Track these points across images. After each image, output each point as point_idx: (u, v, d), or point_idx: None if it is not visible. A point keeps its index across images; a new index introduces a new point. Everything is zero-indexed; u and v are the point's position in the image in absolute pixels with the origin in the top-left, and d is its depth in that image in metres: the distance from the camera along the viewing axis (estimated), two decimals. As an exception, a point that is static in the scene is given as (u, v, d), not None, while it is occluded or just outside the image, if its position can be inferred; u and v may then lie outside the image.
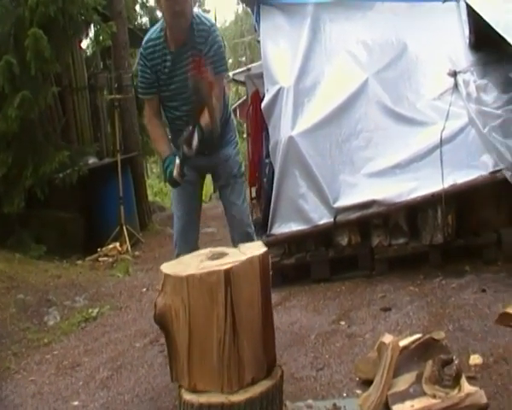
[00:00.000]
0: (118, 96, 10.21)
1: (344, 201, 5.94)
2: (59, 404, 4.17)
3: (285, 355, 4.29)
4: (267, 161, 6.90)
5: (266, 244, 3.23)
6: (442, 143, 5.74)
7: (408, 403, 3.04)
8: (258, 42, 7.37)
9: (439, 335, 3.50)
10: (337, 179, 6.03)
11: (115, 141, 10.20)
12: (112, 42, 10.24)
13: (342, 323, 4.90)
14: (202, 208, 4.69)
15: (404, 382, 3.18)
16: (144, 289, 6.94)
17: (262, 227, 6.39)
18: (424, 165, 5.81)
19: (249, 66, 11.28)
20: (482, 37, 6.01)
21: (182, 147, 3.81)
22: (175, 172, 3.92)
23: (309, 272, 6.14)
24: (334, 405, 3.40)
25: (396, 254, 5.94)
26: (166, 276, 2.89)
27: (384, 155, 5.99)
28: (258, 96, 7.97)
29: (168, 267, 2.99)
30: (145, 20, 15.00)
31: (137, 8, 14.81)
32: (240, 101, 19.57)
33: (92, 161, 9.63)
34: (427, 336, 3.47)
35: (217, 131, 3.93)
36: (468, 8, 6.10)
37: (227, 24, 40.03)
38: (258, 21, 6.97)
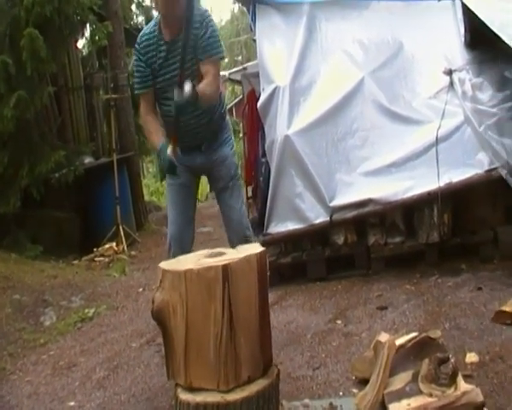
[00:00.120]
0: (114, 96, 10.20)
1: (340, 200, 5.94)
2: (55, 404, 4.16)
3: (281, 354, 4.30)
4: (263, 160, 6.90)
5: (263, 243, 3.25)
6: (438, 141, 5.74)
7: (404, 402, 3.04)
8: (254, 41, 7.36)
9: (436, 333, 3.51)
10: (333, 178, 6.03)
11: (111, 140, 10.20)
12: (108, 41, 10.23)
13: (339, 322, 4.90)
14: (198, 208, 4.67)
15: (401, 380, 3.18)
16: (141, 289, 6.94)
17: (258, 226, 6.39)
18: (420, 163, 5.81)
19: (245, 65, 11.26)
20: (477, 35, 6.01)
21: (174, 92, 3.77)
22: (169, 151, 3.91)
23: (305, 271, 6.14)
24: (331, 404, 3.39)
25: (392, 253, 5.94)
26: (165, 271, 2.90)
27: (380, 153, 5.99)
28: (254, 96, 7.98)
29: (166, 265, 3.00)
30: (141, 19, 15.00)
31: (133, 7, 14.81)
32: (236, 100, 19.57)
33: (88, 160, 9.63)
34: (424, 334, 3.47)
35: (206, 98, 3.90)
36: (464, 6, 6.10)
37: (223, 23, 40.04)
38: (254, 20, 6.96)
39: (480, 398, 3.00)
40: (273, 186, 6.18)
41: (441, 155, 5.69)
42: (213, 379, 2.83)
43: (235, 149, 4.54)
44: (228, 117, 4.56)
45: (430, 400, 2.99)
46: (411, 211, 5.88)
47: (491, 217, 5.80)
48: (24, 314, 6.08)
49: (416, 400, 3.03)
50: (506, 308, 4.26)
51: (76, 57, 10.41)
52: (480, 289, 5.04)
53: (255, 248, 3.09)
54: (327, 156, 6.08)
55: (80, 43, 11.60)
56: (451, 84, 6.03)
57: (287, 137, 6.05)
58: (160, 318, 2.92)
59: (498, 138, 5.54)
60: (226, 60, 31.93)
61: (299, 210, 6.06)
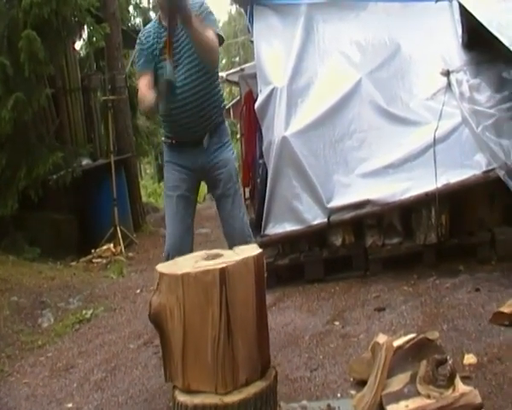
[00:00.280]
0: (111, 98, 10.18)
1: (338, 201, 5.94)
2: (53, 406, 4.16)
3: (279, 356, 4.30)
4: (261, 161, 6.88)
5: (260, 245, 3.24)
6: (435, 142, 5.74)
7: (402, 403, 3.04)
8: (252, 42, 7.36)
9: (434, 335, 3.50)
10: (331, 179, 6.03)
11: (109, 142, 10.18)
12: (105, 43, 10.21)
13: (336, 323, 4.90)
14: (197, 209, 4.62)
15: (399, 382, 3.18)
16: (138, 291, 6.93)
17: (256, 228, 6.37)
18: (418, 164, 5.81)
19: (243, 66, 11.30)
20: (475, 36, 6.02)
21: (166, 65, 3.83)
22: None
23: (303, 273, 6.13)
24: (329, 405, 3.39)
25: (390, 254, 5.94)
26: (162, 275, 2.90)
27: (377, 154, 5.99)
28: (251, 97, 7.97)
29: (163, 267, 3.00)
30: (138, 21, 15.03)
31: (131, 9, 14.85)
32: (233, 101, 19.57)
33: (86, 162, 9.63)
34: (422, 336, 3.46)
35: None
36: (461, 7, 6.11)
37: (220, 24, 40.03)
38: (251, 22, 6.95)
39: (479, 400, 2.99)
40: (270, 187, 6.18)
41: (439, 156, 5.69)
42: (211, 382, 2.83)
43: (235, 155, 4.52)
44: (226, 122, 4.53)
45: (428, 401, 2.99)
46: (409, 212, 5.88)
47: (488, 218, 5.81)
48: (22, 316, 6.07)
49: (413, 401, 3.03)
50: (504, 309, 4.26)
51: (73, 59, 10.40)
52: (477, 290, 5.05)
53: (252, 249, 3.09)
54: (324, 157, 6.08)
55: (78, 45, 11.62)
56: (449, 85, 6.04)
57: (284, 139, 6.04)
58: (158, 321, 2.92)
59: (496, 139, 5.55)
60: (224, 61, 31.98)
61: (296, 211, 6.06)
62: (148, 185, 21.08)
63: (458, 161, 5.71)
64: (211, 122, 4.21)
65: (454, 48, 6.28)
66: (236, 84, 11.36)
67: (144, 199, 14.05)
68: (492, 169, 5.54)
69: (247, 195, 8.64)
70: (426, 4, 6.52)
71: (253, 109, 6.82)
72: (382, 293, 5.42)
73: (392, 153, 5.93)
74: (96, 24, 9.63)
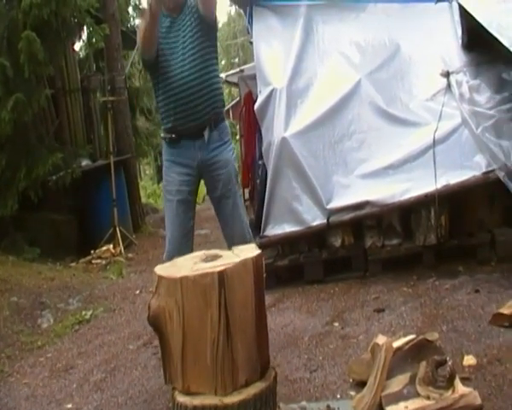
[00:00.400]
0: (111, 99, 10.18)
1: (337, 202, 5.93)
2: (52, 407, 4.16)
3: (279, 357, 4.29)
4: (260, 162, 6.89)
5: (259, 246, 3.23)
6: (435, 143, 5.74)
7: (402, 404, 3.04)
8: (251, 43, 7.37)
9: (433, 336, 3.50)
10: (330, 180, 6.03)
11: (108, 143, 10.20)
12: (105, 44, 10.22)
13: (336, 324, 4.90)
14: (196, 210, 4.61)
15: (398, 383, 3.18)
16: (138, 291, 6.93)
17: (255, 229, 6.37)
18: (417, 165, 5.81)
19: (242, 67, 11.29)
20: (475, 37, 6.02)
21: None
22: None
23: (302, 274, 6.13)
24: (328, 406, 3.39)
25: (389, 255, 5.94)
26: (160, 278, 2.89)
27: (377, 155, 5.99)
28: (251, 98, 7.98)
29: (162, 269, 2.99)
30: (138, 22, 14.97)
31: (130, 10, 14.81)
32: (233, 102, 19.55)
33: (85, 163, 9.63)
34: (421, 337, 3.46)
35: None
36: (461, 8, 6.11)
37: (220, 25, 39.90)
38: (250, 23, 6.96)
39: (478, 401, 3.00)
40: (270, 188, 6.17)
41: (438, 157, 5.69)
42: (211, 385, 2.82)
43: (235, 155, 4.51)
44: (226, 122, 4.52)
45: (428, 402, 2.99)
46: (408, 213, 5.88)
47: (488, 219, 5.81)
48: (21, 317, 6.07)
49: (413, 402, 3.03)
50: (504, 311, 4.26)
51: (73, 60, 10.41)
52: (477, 291, 5.04)
53: (251, 250, 3.09)
54: (324, 158, 6.08)
55: (77, 46, 11.64)
56: (449, 86, 6.04)
57: (284, 140, 6.04)
58: (157, 324, 2.91)
59: (496, 140, 5.55)
60: (223, 62, 31.97)
61: (296, 212, 6.06)
62: (147, 186, 21.06)
63: (458, 162, 5.71)
64: (211, 110, 4.17)
65: (454, 49, 6.29)
66: (236, 85, 11.35)
67: (144, 200, 14.05)
68: (492, 170, 5.53)
69: (247, 196, 8.64)
70: (426, 5, 6.53)
71: (253, 110, 6.82)
72: (382, 294, 5.42)
73: (391, 154, 5.93)
74: (96, 25, 9.62)
